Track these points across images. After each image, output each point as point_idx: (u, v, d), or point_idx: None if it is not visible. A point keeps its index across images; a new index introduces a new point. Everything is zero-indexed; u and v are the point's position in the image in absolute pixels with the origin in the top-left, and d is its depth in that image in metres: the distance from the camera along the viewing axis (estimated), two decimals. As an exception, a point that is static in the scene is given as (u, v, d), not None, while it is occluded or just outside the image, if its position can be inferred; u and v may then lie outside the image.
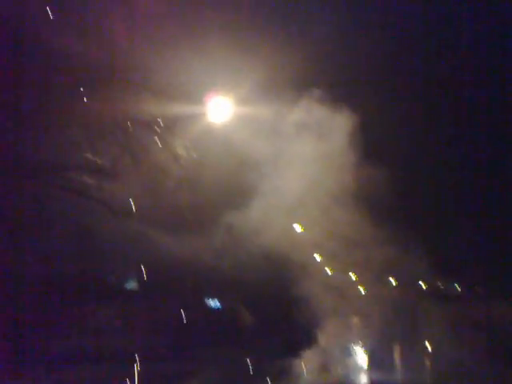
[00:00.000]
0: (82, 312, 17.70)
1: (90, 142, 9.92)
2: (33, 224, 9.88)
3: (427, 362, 19.15)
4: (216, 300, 23.70)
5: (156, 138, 10.20)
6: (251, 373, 14.58)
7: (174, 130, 10.32)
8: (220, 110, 10.81)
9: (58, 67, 8.95)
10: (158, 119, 10.00)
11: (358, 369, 15.90)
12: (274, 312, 20.92)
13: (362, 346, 24.83)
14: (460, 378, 13.81)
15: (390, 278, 34.89)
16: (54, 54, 8.41)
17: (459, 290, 39.40)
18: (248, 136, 11.18)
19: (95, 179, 10.02)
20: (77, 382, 12.64)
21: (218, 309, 23.39)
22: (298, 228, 21.27)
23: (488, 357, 18.12)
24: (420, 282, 37.86)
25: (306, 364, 17.18)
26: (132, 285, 23.37)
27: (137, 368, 12.42)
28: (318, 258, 28.19)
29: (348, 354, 20.08)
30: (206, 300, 23.36)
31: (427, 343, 23.63)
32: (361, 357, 20.09)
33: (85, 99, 9.11)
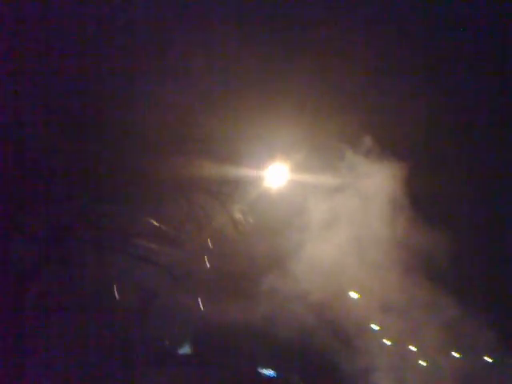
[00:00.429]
0: (139, 374, 17.73)
1: (155, 210, 10.25)
2: (98, 288, 10.18)
3: None
4: (269, 369, 23.14)
5: (216, 203, 10.43)
6: None
7: (233, 195, 10.55)
8: (276, 175, 11.03)
9: (124, 137, 9.40)
10: (219, 185, 10.27)
11: None
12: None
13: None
14: None
15: (453, 352, 33.09)
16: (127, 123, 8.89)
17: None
18: (302, 200, 11.30)
19: (159, 245, 10.28)
20: None
21: (273, 377, 22.79)
22: (354, 295, 20.77)
23: None
24: (485, 357, 35.65)
25: None
26: (186, 350, 23.24)
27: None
28: (375, 327, 27.28)
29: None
30: (260, 369, 22.84)
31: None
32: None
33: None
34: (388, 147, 12.17)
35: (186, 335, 20.76)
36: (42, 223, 9.31)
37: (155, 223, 10.18)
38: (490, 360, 35.20)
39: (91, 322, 10.64)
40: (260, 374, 21.69)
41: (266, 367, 22.64)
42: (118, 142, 9.04)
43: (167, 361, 20.26)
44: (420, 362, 41.72)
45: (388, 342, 31.41)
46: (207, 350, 19.73)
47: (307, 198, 11.71)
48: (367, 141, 11.82)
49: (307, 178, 11.34)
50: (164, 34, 8.95)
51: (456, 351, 32.72)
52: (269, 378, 21.74)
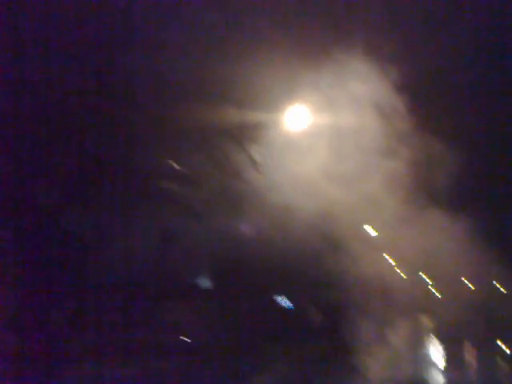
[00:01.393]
0: (161, 308, 18.56)
1: (174, 152, 10.46)
2: (121, 226, 10.53)
3: (504, 364, 18.73)
4: (286, 299, 24.00)
5: (235, 145, 10.58)
6: (318, 370, 14.77)
7: (253, 137, 10.67)
8: (298, 118, 11.05)
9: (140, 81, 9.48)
10: (238, 129, 10.39)
11: (431, 367, 15.77)
12: (344, 311, 20.99)
13: (436, 345, 24.56)
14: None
15: (465, 281, 33.94)
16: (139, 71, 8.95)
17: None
18: (325, 144, 11.37)
19: (179, 186, 10.54)
20: (152, 373, 13.28)
21: (290, 308, 23.69)
22: (369, 230, 21.19)
23: None
24: (497, 285, 36.55)
25: (375, 361, 17.21)
26: (206, 283, 24.13)
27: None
28: (391, 261, 27.90)
29: (420, 353, 19.97)
30: (277, 299, 23.69)
31: (503, 345, 23.10)
32: (434, 355, 19.88)
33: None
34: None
35: (206, 270, 21.51)
36: (66, 163, 9.57)
37: (176, 165, 10.41)
38: (502, 289, 36.14)
39: (114, 260, 11.10)
40: (278, 304, 22.46)
41: (284, 298, 23.46)
42: (140, 86, 9.14)
43: (189, 295, 21.13)
44: (433, 291, 42.80)
45: (403, 275, 32.28)
46: (226, 283, 20.49)
47: (329, 141, 11.78)
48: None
49: (331, 120, 11.34)
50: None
51: (469, 282, 33.56)
52: (286, 309, 22.57)
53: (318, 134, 11.56)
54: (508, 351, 23.75)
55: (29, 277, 9.70)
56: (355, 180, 12.18)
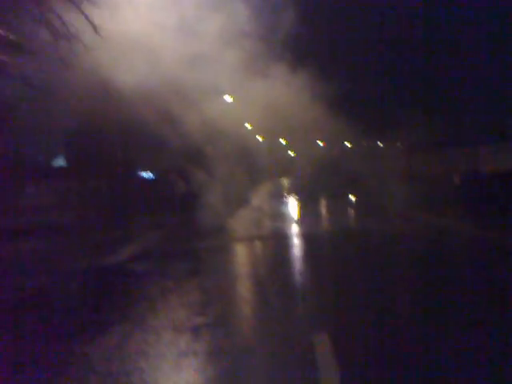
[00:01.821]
0: (13, 190, 17.88)
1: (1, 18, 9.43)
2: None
3: (351, 210, 21.00)
4: (149, 172, 24.17)
5: (72, 8, 9.73)
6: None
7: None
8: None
9: None
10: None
11: (290, 221, 17.10)
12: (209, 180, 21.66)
13: (294, 201, 26.64)
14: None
15: (318, 141, 36.31)
16: None
17: (382, 145, 41.91)
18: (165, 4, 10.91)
19: (10, 56, 9.63)
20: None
21: (152, 179, 23.95)
22: (228, 99, 21.46)
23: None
24: (345, 142, 39.88)
25: (240, 220, 18.42)
26: (60, 162, 23.38)
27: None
28: (248, 126, 28.64)
29: (280, 209, 21.67)
30: (139, 172, 23.77)
31: (351, 196, 25.81)
32: (292, 210, 21.68)
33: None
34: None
35: (57, 148, 20.74)
36: None
37: (1, 33, 9.40)
38: (349, 145, 39.57)
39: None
40: (139, 176, 22.56)
41: (145, 170, 23.56)
42: None
43: (44, 176, 20.45)
44: (289, 152, 45.42)
45: (260, 138, 33.72)
46: (81, 160, 20.06)
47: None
48: None
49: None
50: None
51: (321, 141, 36.03)
52: (147, 179, 22.84)
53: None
54: (353, 199, 26.47)
55: None
56: (193, 37, 11.97)
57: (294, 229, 15.53)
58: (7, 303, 8.14)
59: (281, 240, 13.20)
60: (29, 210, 17.58)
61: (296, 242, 13.16)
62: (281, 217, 18.77)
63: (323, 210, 22.98)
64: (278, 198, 30.82)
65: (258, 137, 34.14)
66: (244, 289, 8.53)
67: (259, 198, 31.73)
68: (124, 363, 5.45)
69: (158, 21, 10.79)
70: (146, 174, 22.98)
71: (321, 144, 34.66)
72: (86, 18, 9.88)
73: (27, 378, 5.37)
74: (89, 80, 11.03)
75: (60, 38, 9.74)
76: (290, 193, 34.66)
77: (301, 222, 17.09)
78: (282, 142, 39.99)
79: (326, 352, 5.35)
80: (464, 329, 5.88)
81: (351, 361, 5.20)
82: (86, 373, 5.32)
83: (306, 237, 13.74)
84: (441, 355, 5.19)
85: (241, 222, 18.36)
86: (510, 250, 10.12)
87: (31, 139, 14.14)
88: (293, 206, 24.22)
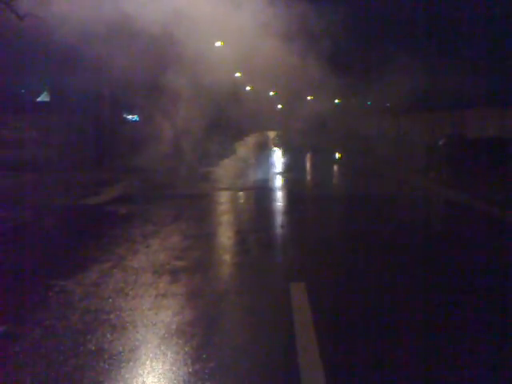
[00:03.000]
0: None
1: None
2: None
3: (335, 167, 21.07)
4: (134, 115, 23.85)
5: None
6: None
7: None
8: None
9: None
10: None
11: (274, 174, 17.13)
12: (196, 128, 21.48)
13: (279, 155, 26.67)
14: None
15: (308, 97, 36.01)
16: None
17: (369, 104, 41.80)
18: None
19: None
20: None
21: (136, 121, 23.67)
22: (219, 44, 21.10)
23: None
24: (335, 100, 39.61)
25: (224, 171, 18.39)
26: (44, 98, 22.90)
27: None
28: (238, 75, 28.23)
29: (265, 162, 21.65)
30: (125, 115, 23.44)
31: (337, 154, 25.93)
32: (277, 163, 21.69)
33: None
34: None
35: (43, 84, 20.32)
36: None
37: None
38: (338, 100, 39.35)
39: None
40: (126, 118, 22.28)
41: (132, 114, 23.19)
42: None
43: (27, 109, 20.08)
44: (278, 105, 45.07)
45: (248, 88, 33.32)
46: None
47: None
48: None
49: None
50: None
51: (310, 95, 35.77)
52: (133, 121, 22.56)
53: None
54: (338, 156, 26.57)
55: None
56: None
57: (277, 182, 15.56)
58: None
59: (264, 192, 13.24)
60: (10, 142, 17.34)
61: (278, 194, 13.21)
62: (265, 169, 18.76)
63: (307, 164, 23.01)
64: (264, 149, 30.74)
65: (247, 87, 33.77)
66: (225, 237, 8.58)
67: (245, 148, 31.61)
68: (102, 301, 5.50)
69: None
70: (132, 117, 22.66)
71: (310, 99, 34.38)
72: None
73: (3, 311, 5.39)
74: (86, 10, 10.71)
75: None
76: (276, 145, 34.57)
77: (284, 175, 17.11)
78: (272, 93, 39.60)
79: (300, 298, 5.47)
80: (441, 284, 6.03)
81: (325, 307, 5.34)
82: (65, 309, 5.35)
83: (289, 190, 13.81)
84: (395, 294, 5.34)
85: (224, 172, 18.33)
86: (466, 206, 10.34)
87: (14, 73, 13.77)
88: (278, 159, 24.20)
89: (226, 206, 11.68)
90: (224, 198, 12.75)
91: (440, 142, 17.95)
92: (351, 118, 36.02)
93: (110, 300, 5.52)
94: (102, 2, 11.08)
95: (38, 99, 21.80)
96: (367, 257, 7.19)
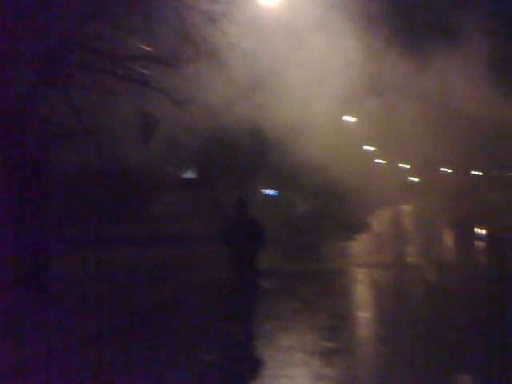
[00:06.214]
0: (147, 198, 18.82)
1: (148, 33, 9.82)
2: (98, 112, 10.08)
3: (479, 244, 19.45)
4: (272, 190, 24.36)
5: (213, 26, 9.96)
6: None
7: (227, 14, 10.04)
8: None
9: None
10: (210, 3, 9.72)
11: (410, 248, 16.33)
12: (329, 201, 21.38)
13: (414, 233, 25.47)
14: None
15: (445, 169, 34.41)
16: None
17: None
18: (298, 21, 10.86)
19: (155, 69, 9.99)
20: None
21: (275, 196, 24.07)
22: (349, 119, 21.05)
23: None
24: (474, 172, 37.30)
25: (361, 246, 17.85)
26: (189, 174, 24.24)
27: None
28: (370, 148, 27.97)
29: (399, 239, 20.77)
30: (264, 190, 24.00)
31: (478, 229, 24.07)
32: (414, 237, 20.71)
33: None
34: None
35: (190, 160, 21.50)
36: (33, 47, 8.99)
37: (146, 47, 9.79)
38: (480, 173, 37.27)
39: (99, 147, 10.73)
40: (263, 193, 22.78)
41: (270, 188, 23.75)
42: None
43: (172, 185, 21.25)
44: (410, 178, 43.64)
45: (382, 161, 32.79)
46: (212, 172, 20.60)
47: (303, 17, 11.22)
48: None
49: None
50: None
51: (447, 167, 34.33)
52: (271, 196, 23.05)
53: (292, 12, 11.01)
54: (483, 232, 24.69)
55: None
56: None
57: (416, 257, 14.69)
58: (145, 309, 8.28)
59: (405, 269, 12.51)
60: (164, 217, 18.31)
61: (421, 272, 12.31)
62: (402, 243, 17.94)
63: (448, 239, 21.67)
64: (399, 224, 29.62)
65: (378, 160, 33.22)
66: (371, 319, 8.04)
67: (379, 222, 30.70)
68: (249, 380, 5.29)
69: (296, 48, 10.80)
70: (270, 192, 23.18)
71: (448, 171, 32.95)
72: (224, 34, 10.07)
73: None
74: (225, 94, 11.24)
75: (200, 54, 9.98)
76: (411, 220, 33.21)
77: (423, 249, 16.15)
78: (405, 166, 38.51)
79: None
80: None
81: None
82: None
83: (432, 267, 12.90)
84: None
85: (360, 247, 17.75)
86: None
87: (165, 151, 14.68)
88: (414, 233, 23.12)
89: (366, 284, 11.10)
90: (362, 274, 12.12)
91: None
92: (493, 189, 33.76)
93: (261, 379, 5.24)
94: None
95: (184, 175, 23.24)
96: None
